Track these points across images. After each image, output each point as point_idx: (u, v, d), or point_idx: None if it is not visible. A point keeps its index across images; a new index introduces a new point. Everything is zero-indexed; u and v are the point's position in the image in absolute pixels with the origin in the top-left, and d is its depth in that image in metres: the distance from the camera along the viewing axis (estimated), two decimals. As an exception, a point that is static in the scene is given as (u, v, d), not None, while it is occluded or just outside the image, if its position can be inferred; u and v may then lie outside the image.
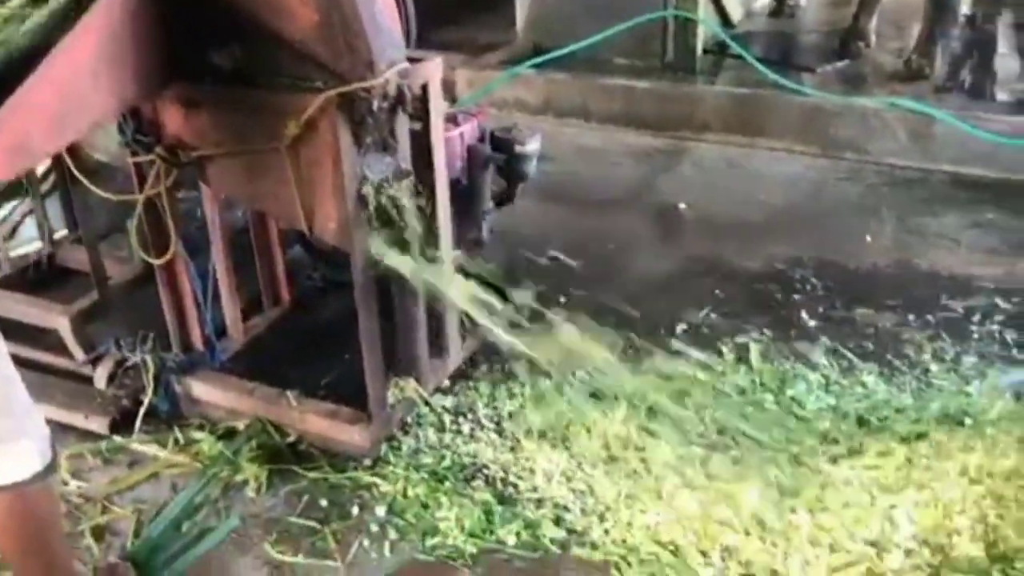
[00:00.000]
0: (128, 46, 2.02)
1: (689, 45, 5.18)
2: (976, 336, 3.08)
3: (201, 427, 2.77)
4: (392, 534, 2.39)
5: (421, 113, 2.48)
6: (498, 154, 2.94)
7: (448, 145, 2.69)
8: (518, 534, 2.36)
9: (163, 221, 2.62)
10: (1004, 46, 4.51)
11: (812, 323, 3.20)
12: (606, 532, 2.34)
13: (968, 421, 2.60)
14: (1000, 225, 3.83)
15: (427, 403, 2.77)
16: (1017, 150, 4.16)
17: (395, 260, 2.36)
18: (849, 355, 2.99)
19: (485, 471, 2.56)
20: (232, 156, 2.39)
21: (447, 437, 2.69)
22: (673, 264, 3.67)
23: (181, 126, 2.41)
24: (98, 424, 2.78)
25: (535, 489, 2.49)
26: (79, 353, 2.91)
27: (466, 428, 2.72)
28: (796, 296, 3.39)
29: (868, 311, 3.25)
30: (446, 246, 2.66)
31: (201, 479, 2.56)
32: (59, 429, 2.63)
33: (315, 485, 2.56)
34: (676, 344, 3.04)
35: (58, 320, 2.93)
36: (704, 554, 2.25)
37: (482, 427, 2.72)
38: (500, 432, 2.70)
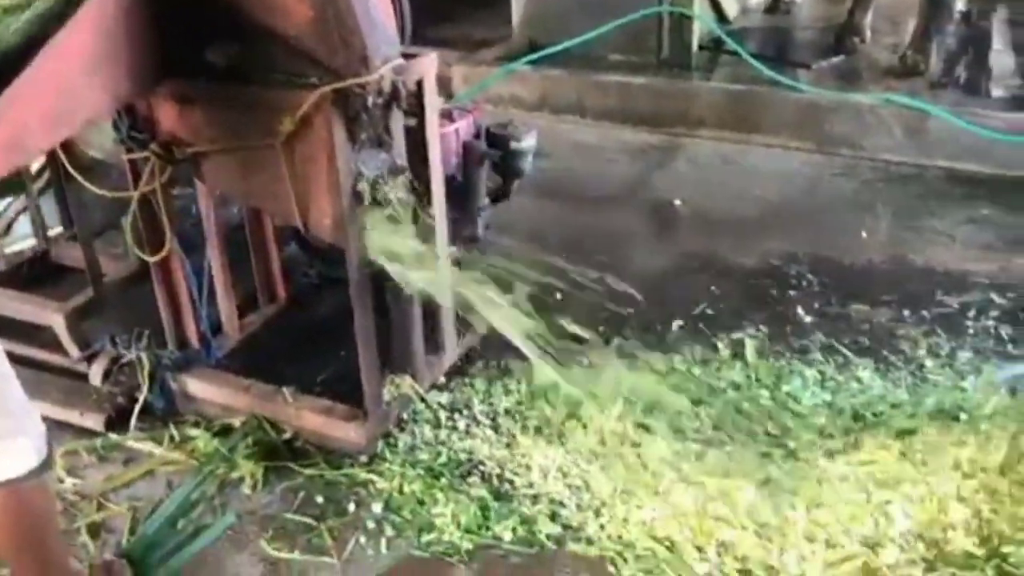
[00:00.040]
0: (122, 42, 2.02)
1: (685, 41, 5.18)
2: (971, 331, 3.08)
3: (197, 424, 2.76)
4: (388, 530, 2.39)
5: (416, 109, 2.48)
6: (494, 150, 2.94)
7: (443, 141, 2.69)
8: (514, 530, 2.36)
9: (158, 218, 2.62)
10: (999, 42, 4.51)
11: (808, 319, 3.21)
12: (602, 528, 2.35)
13: (963, 416, 2.60)
14: (995, 221, 3.83)
15: (423, 400, 2.76)
16: (1012, 146, 4.16)
17: (391, 251, 2.35)
18: (844, 351, 3.00)
19: (481, 467, 2.56)
20: (227, 153, 2.39)
21: (443, 433, 2.69)
22: (669, 260, 3.67)
23: (176, 123, 2.40)
24: (94, 421, 2.78)
25: (531, 485, 2.49)
26: (74, 350, 2.91)
27: (462, 424, 2.72)
28: (791, 292, 3.39)
29: (863, 307, 3.26)
30: (442, 242, 2.66)
31: (197, 476, 2.55)
32: (54, 426, 2.63)
33: (311, 482, 2.56)
34: (671, 340, 3.05)
35: (53, 317, 2.92)
36: (700, 550, 2.25)
37: (478, 423, 2.73)
38: (496, 428, 2.70)
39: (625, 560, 2.25)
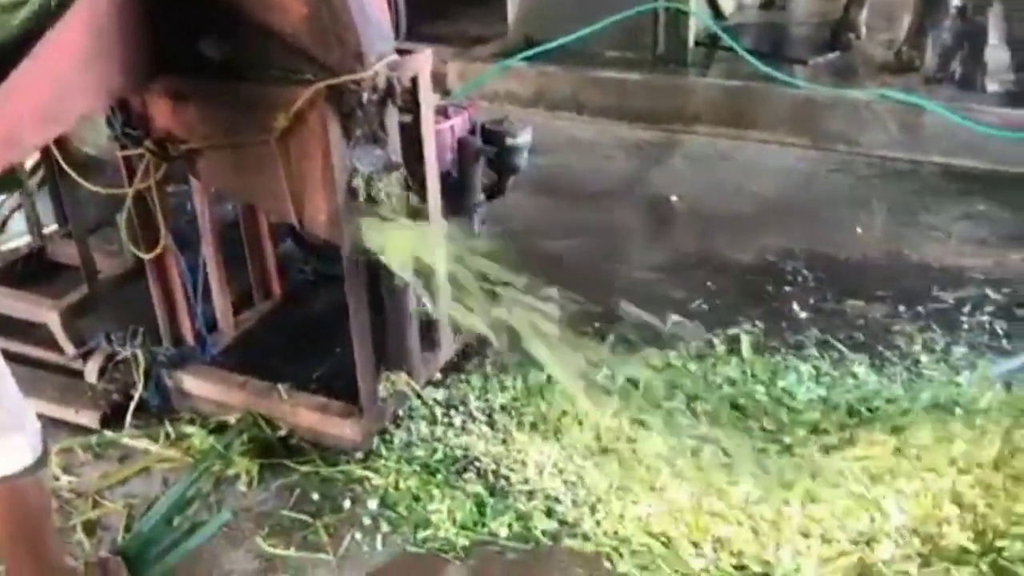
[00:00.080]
0: (114, 38, 2.02)
1: (680, 37, 5.18)
2: (966, 327, 3.09)
3: (192, 421, 2.76)
4: (384, 527, 2.39)
5: (411, 106, 2.48)
6: (489, 147, 2.93)
7: (439, 138, 2.68)
8: (510, 526, 2.36)
9: (153, 215, 2.62)
10: (995, 37, 4.52)
11: (803, 315, 3.21)
12: (598, 523, 2.35)
13: (958, 411, 2.60)
14: (990, 216, 3.84)
15: (419, 396, 2.76)
16: (1007, 142, 4.17)
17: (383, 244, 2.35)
18: (840, 346, 3.00)
19: (477, 463, 2.56)
20: (221, 149, 2.38)
21: (439, 430, 2.69)
22: (665, 256, 3.67)
23: (170, 119, 2.40)
24: (89, 419, 2.77)
25: (527, 481, 2.49)
26: (69, 347, 2.90)
27: (458, 421, 2.72)
28: (787, 288, 3.39)
29: (859, 302, 3.26)
30: (437, 239, 2.66)
31: (192, 473, 2.55)
32: (50, 424, 2.62)
33: (307, 479, 2.56)
34: (667, 334, 3.05)
35: (48, 315, 2.92)
36: (696, 545, 2.25)
37: (474, 420, 2.73)
38: (492, 424, 2.70)
39: (621, 556, 2.26)
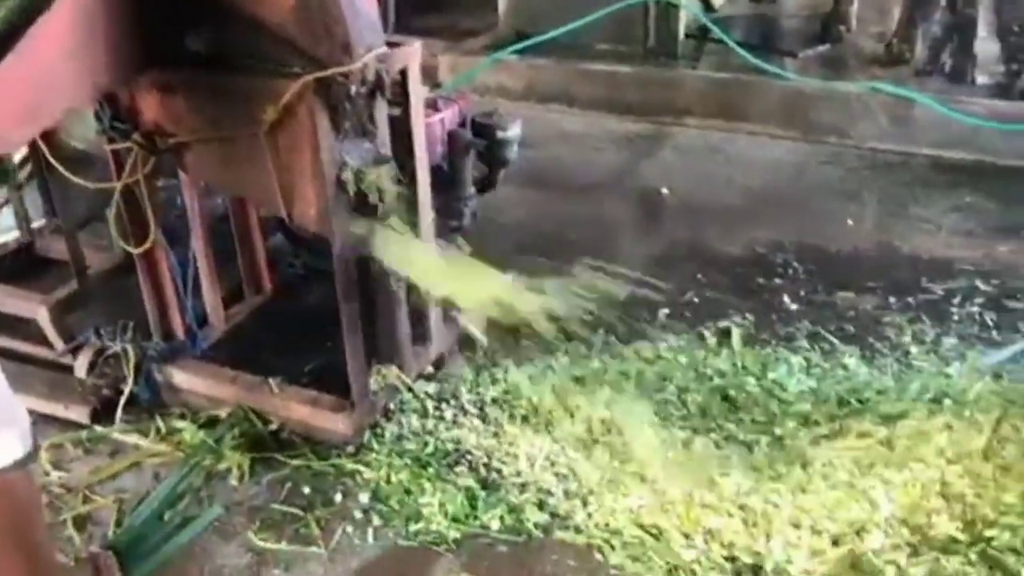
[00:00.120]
0: (100, 30, 2.00)
1: (671, 30, 5.18)
2: (956, 318, 3.10)
3: (183, 416, 2.75)
4: (376, 520, 2.39)
5: (401, 98, 2.47)
6: (479, 140, 2.93)
7: (429, 131, 2.68)
8: (501, 519, 2.36)
9: (142, 209, 2.61)
10: (984, 30, 4.53)
11: (794, 307, 3.22)
12: (589, 516, 2.35)
13: (948, 402, 2.62)
14: (980, 208, 3.86)
15: (410, 389, 2.76)
16: (997, 133, 4.18)
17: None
18: (830, 338, 3.01)
19: (468, 456, 2.56)
20: (210, 142, 2.38)
21: (430, 423, 2.69)
22: (655, 248, 3.67)
23: (158, 112, 2.39)
24: (79, 414, 2.76)
25: (518, 474, 2.49)
26: (59, 343, 2.89)
27: (449, 414, 2.72)
28: (778, 280, 3.40)
29: (849, 294, 3.27)
30: (427, 233, 2.66)
31: (183, 468, 2.55)
32: (40, 419, 2.63)
33: (298, 472, 2.56)
34: (658, 328, 3.05)
35: (37, 309, 2.91)
36: (687, 536, 2.26)
37: (465, 413, 2.72)
38: (483, 417, 2.70)
39: (612, 548, 2.26)
